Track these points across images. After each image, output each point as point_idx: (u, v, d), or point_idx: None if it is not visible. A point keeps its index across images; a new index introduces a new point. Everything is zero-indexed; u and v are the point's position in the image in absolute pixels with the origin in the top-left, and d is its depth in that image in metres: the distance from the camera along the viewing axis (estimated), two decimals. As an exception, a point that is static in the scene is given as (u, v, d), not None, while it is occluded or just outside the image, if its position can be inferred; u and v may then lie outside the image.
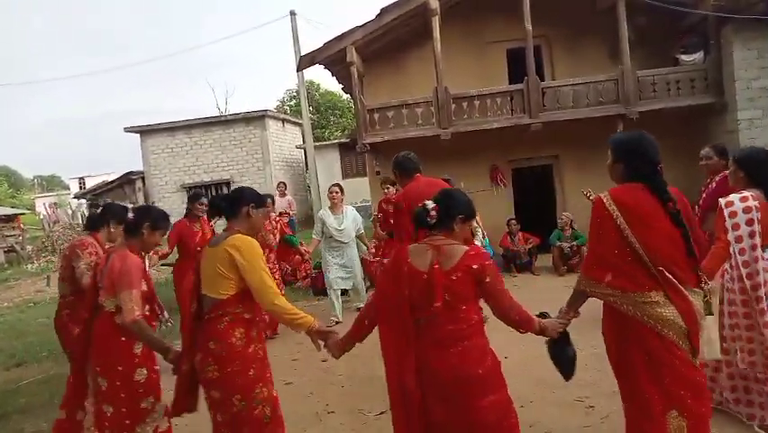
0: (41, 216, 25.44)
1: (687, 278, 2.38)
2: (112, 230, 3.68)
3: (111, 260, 2.99)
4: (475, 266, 2.32)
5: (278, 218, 7.34)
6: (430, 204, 2.41)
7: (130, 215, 3.08)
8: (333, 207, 6.77)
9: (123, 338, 2.94)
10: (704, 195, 4.07)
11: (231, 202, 2.80)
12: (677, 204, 2.38)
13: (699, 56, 9.52)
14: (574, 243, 8.59)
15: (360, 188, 13.42)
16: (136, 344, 2.97)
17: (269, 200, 5.44)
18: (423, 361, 2.32)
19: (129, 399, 2.93)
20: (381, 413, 3.87)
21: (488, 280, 2.33)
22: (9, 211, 22.84)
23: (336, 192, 6.76)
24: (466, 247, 2.39)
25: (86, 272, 3.47)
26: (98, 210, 3.92)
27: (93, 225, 3.81)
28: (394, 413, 2.44)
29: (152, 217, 3.08)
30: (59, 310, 3.81)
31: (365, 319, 2.60)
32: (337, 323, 6.32)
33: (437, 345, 2.32)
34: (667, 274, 2.32)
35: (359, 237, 6.98)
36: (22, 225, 21.60)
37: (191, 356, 2.75)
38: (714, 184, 4.01)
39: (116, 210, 3.73)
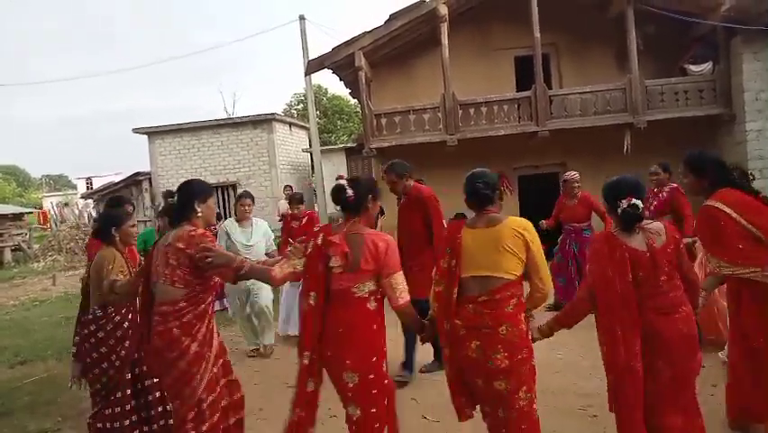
0: (49, 215, 25.56)
1: None
2: (199, 213, 2.93)
3: (367, 240, 2.58)
4: (677, 235, 2.66)
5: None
6: (640, 203, 2.59)
7: (349, 192, 2.66)
8: (241, 219, 5.69)
9: (375, 326, 2.62)
10: (655, 203, 5.47)
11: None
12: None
13: (707, 66, 9.51)
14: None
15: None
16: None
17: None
18: (650, 330, 2.52)
19: (381, 395, 2.58)
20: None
21: (682, 245, 2.68)
22: (17, 210, 22.96)
23: (249, 204, 5.67)
24: (663, 223, 2.70)
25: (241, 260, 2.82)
26: (175, 197, 3.01)
27: (183, 214, 2.93)
28: (620, 390, 2.54)
29: (373, 189, 2.79)
30: (163, 323, 2.79)
31: (581, 306, 2.71)
32: (255, 351, 5.78)
33: (662, 312, 2.53)
34: None
35: (269, 256, 5.53)
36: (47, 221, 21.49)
37: (463, 344, 2.54)
38: (664, 194, 5.43)
39: (203, 187, 3.02)
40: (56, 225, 20.55)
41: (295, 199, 6.38)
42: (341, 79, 11.18)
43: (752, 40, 8.87)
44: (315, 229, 2.84)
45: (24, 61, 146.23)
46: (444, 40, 9.41)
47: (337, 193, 2.68)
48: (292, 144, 20.63)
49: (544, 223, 6.41)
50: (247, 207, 5.66)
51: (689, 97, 9.39)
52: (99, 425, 3.32)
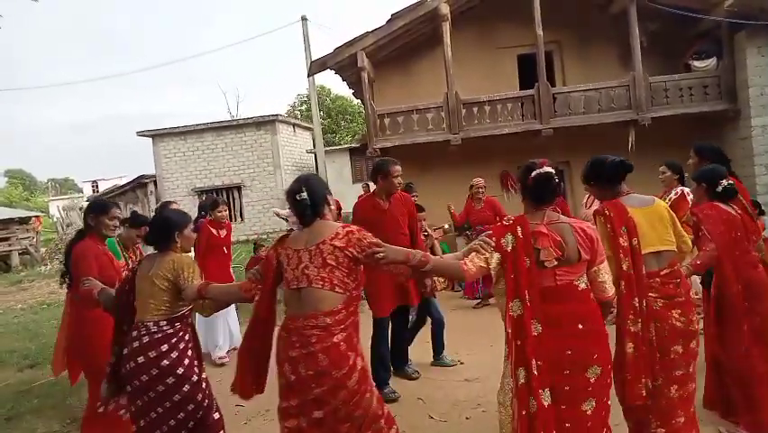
0: (55, 219, 25.74)
1: None
2: (332, 207, 2.73)
3: (576, 228, 2.41)
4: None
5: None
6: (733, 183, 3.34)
7: (557, 179, 2.53)
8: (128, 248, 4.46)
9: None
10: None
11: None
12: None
13: (711, 62, 9.45)
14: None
15: (370, 193, 13.57)
16: None
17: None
18: (744, 279, 3.18)
19: (610, 384, 2.44)
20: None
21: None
22: (24, 214, 23.10)
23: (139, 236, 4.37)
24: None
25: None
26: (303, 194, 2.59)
27: (317, 211, 2.66)
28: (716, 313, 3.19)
29: None
30: (327, 337, 2.40)
31: (710, 256, 3.18)
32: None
33: (752, 265, 3.27)
34: None
35: None
36: (40, 226, 21.76)
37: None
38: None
39: (326, 184, 2.78)
40: (62, 228, 20.65)
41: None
42: (344, 80, 11.18)
43: (756, 35, 8.82)
44: (507, 221, 2.46)
45: (29, 67, 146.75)
46: (447, 39, 9.40)
47: (549, 181, 2.51)
48: (296, 145, 20.67)
49: (451, 206, 6.98)
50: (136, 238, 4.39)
51: (693, 94, 9.35)
52: None
